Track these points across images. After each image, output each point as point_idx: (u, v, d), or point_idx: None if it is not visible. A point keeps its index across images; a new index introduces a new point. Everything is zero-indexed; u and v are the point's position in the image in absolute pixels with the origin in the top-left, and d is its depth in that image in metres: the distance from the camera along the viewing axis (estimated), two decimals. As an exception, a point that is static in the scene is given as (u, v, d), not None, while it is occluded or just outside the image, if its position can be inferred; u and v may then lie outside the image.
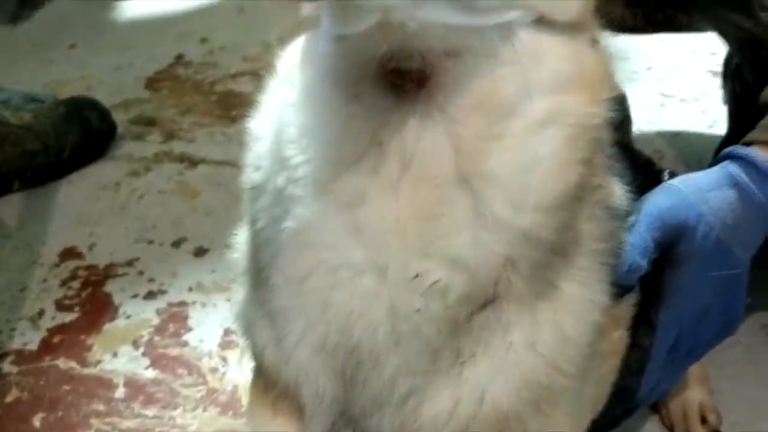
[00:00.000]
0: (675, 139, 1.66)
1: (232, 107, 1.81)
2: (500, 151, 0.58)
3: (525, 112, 0.57)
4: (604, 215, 0.66)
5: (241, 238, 0.77)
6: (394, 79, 0.58)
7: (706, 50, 1.90)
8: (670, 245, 0.77)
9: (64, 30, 2.12)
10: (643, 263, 0.73)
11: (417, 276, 0.60)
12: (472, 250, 0.59)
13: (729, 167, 0.80)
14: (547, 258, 0.61)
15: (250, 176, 0.70)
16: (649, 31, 1.35)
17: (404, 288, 0.60)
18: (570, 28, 0.60)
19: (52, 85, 1.87)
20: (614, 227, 0.68)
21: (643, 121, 1.67)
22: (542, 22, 0.58)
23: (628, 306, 0.77)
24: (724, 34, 1.17)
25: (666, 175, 0.82)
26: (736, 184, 0.79)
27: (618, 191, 0.70)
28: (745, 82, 1.24)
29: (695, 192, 0.78)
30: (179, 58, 2.01)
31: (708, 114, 1.71)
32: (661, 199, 0.77)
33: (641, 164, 1.27)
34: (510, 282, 0.61)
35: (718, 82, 1.79)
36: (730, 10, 1.03)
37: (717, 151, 1.36)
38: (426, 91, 0.58)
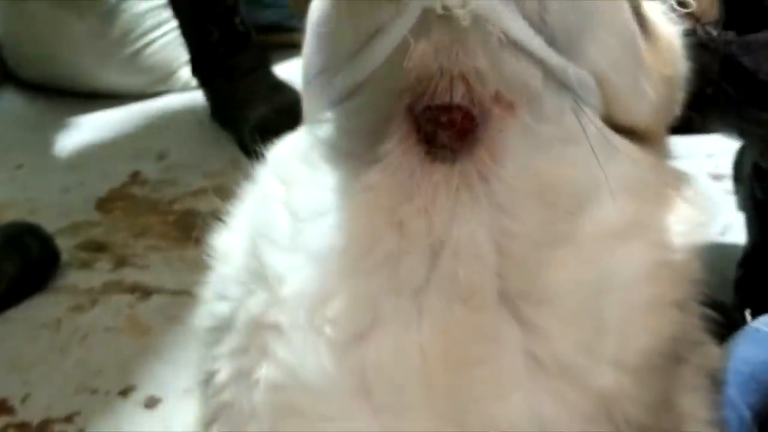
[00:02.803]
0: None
1: (193, 228, 1.65)
2: (561, 264, 0.42)
3: (596, 214, 0.44)
4: (708, 386, 0.49)
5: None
6: (427, 126, 0.42)
7: (701, 153, 1.79)
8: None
9: (11, 149, 2.01)
10: (742, 445, 0.55)
11: None
12: (532, 426, 0.41)
13: None
14: None
15: (212, 310, 0.52)
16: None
17: None
18: (638, 137, 0.48)
19: (-6, 209, 1.73)
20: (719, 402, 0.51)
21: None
22: (608, 122, 0.46)
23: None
24: (748, 134, 1.05)
25: (749, 314, 0.65)
26: None
27: (718, 352, 0.52)
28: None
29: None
30: (134, 176, 1.87)
31: (716, 220, 1.57)
32: (750, 351, 0.60)
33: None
34: None
35: (720, 185, 1.69)
36: (761, 109, 0.91)
37: (743, 263, 1.23)
38: (467, 149, 0.42)
